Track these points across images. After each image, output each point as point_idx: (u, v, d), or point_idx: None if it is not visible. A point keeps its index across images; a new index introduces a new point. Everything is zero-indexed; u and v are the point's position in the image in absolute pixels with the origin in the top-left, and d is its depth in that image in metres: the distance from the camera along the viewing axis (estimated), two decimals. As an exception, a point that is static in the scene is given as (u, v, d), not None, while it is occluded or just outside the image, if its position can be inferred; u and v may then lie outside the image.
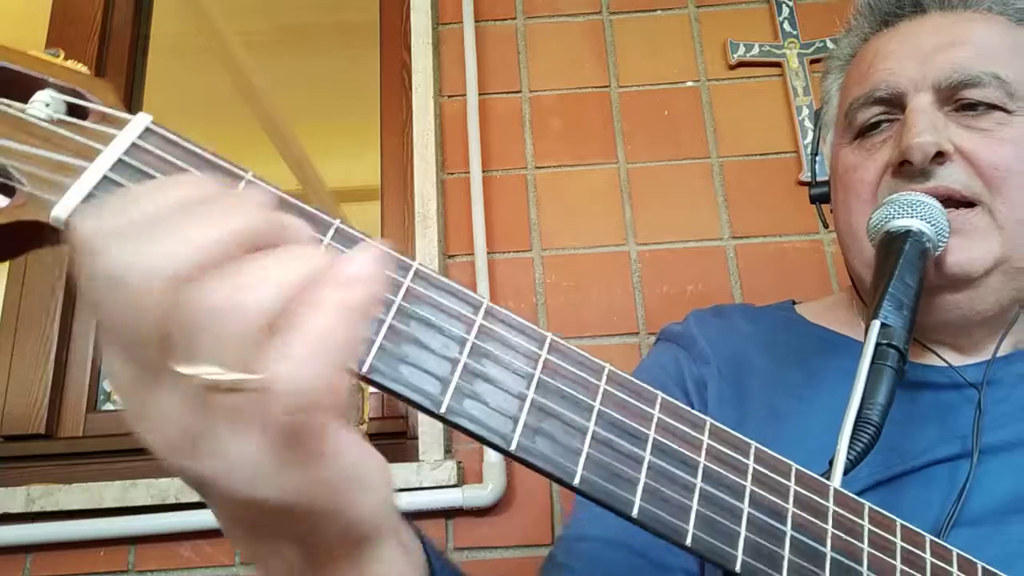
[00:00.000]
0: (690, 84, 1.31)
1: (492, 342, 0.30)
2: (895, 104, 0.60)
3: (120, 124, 0.29)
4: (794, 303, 0.75)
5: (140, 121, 0.29)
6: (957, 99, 0.57)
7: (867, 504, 0.34)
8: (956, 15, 0.61)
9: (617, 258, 1.22)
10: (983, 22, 0.60)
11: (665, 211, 1.24)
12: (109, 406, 1.30)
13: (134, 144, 0.28)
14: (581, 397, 0.30)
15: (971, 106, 0.57)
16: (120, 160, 0.28)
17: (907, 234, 0.52)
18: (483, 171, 1.24)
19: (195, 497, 1.00)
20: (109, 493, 1.04)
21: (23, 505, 1.04)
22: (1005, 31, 0.59)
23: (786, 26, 1.32)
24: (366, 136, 1.41)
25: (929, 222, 0.52)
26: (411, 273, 0.30)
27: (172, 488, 1.04)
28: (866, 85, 0.61)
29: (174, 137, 0.30)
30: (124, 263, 0.23)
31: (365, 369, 0.27)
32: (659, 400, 0.32)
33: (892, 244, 0.52)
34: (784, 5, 1.34)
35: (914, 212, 0.53)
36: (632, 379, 0.32)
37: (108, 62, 1.45)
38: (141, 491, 1.04)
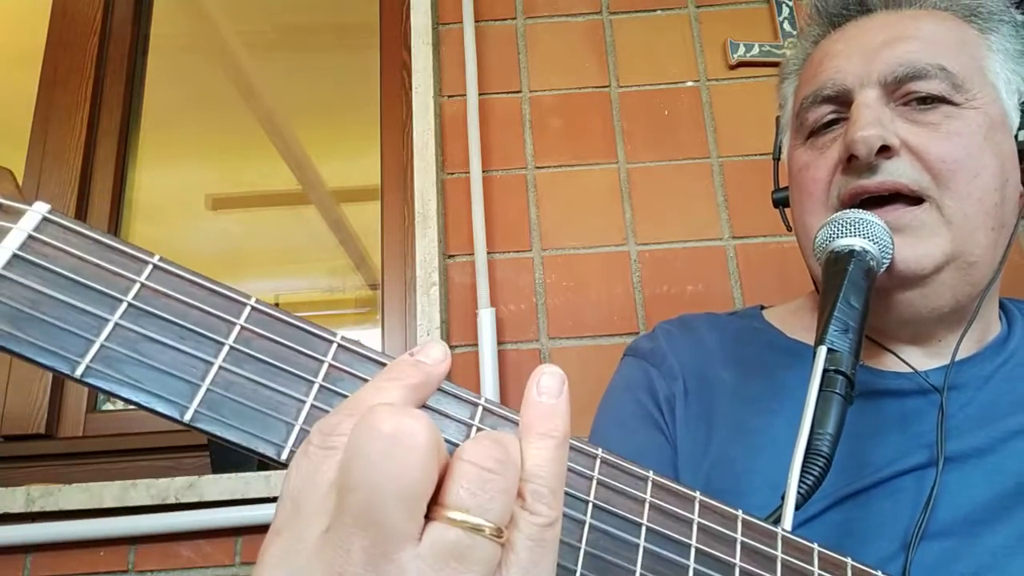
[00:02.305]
0: (690, 84, 1.31)
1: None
2: (843, 101, 0.59)
3: (15, 215, 0.27)
4: (762, 308, 0.75)
5: (36, 211, 0.27)
6: (904, 93, 0.56)
7: (816, 547, 0.33)
8: (902, 13, 0.60)
9: (617, 258, 1.22)
10: (929, 18, 0.59)
11: (665, 211, 1.24)
12: (109, 406, 1.30)
13: (30, 236, 0.27)
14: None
15: (918, 100, 0.56)
16: (15, 255, 0.26)
17: (851, 254, 0.51)
18: (483, 171, 1.24)
19: (195, 497, 1.00)
20: (109, 493, 1.04)
21: (23, 505, 1.04)
22: (951, 26, 0.59)
23: (786, 26, 1.32)
24: (366, 136, 1.41)
25: (872, 240, 0.52)
26: (333, 347, 0.29)
27: (172, 488, 1.04)
28: (814, 84, 0.61)
29: (73, 225, 0.27)
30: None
31: (285, 456, 0.27)
32: (599, 458, 0.31)
33: (837, 264, 0.52)
34: (784, 5, 1.34)
35: (857, 231, 0.52)
36: (572, 440, 0.31)
37: (108, 62, 1.45)
38: (141, 491, 1.04)
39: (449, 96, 1.31)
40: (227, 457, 1.09)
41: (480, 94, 1.28)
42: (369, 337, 1.54)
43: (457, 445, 0.29)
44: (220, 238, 1.76)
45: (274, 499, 1.05)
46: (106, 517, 1.04)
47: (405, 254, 1.30)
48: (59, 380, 1.25)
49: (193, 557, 1.06)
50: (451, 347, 1.18)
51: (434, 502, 0.25)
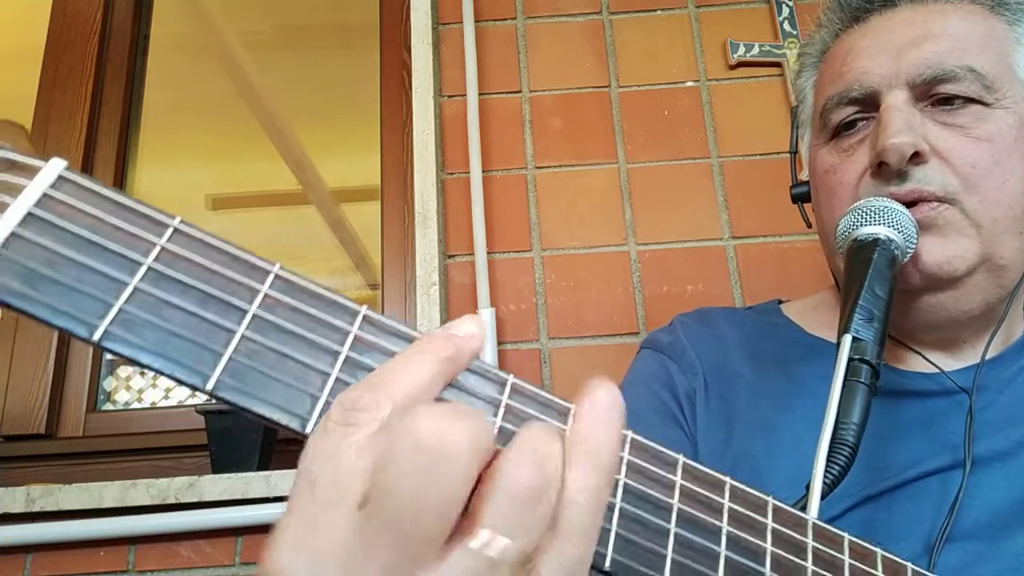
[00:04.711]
0: (690, 84, 1.31)
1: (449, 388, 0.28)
2: (869, 103, 0.58)
3: (30, 172, 0.26)
4: (780, 302, 0.74)
5: (52, 168, 0.26)
6: (932, 94, 0.55)
7: (847, 536, 0.33)
8: (927, 7, 0.59)
9: (617, 258, 1.22)
10: (955, 13, 0.58)
11: (665, 211, 1.24)
12: (109, 406, 1.30)
13: (46, 195, 0.25)
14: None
15: (947, 100, 0.55)
16: (30, 213, 0.25)
17: (875, 242, 0.51)
18: (483, 171, 1.24)
19: (195, 497, 0.99)
20: (109, 493, 1.04)
21: (23, 505, 1.04)
22: (978, 20, 0.57)
23: (786, 26, 1.32)
24: (366, 136, 1.41)
25: (897, 229, 0.51)
26: (359, 318, 0.28)
27: (172, 488, 1.04)
28: (840, 84, 0.60)
29: (90, 184, 0.26)
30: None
31: (310, 428, 0.26)
32: (629, 440, 0.30)
33: (860, 253, 0.51)
34: (784, 5, 1.34)
35: (881, 219, 0.51)
36: None
37: (108, 62, 1.45)
38: (141, 491, 1.04)
39: (449, 96, 1.31)
40: (227, 457, 1.09)
41: (480, 94, 1.28)
42: (369, 337, 1.54)
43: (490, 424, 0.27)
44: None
45: (275, 499, 1.05)
46: (106, 517, 1.04)
47: (405, 254, 1.30)
48: (59, 380, 1.25)
49: (193, 557, 1.06)
50: (451, 347, 1.18)
51: (466, 510, 0.23)
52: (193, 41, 1.68)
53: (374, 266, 1.40)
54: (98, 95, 1.42)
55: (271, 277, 0.27)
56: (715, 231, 1.23)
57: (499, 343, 1.16)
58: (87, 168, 1.36)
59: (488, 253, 1.19)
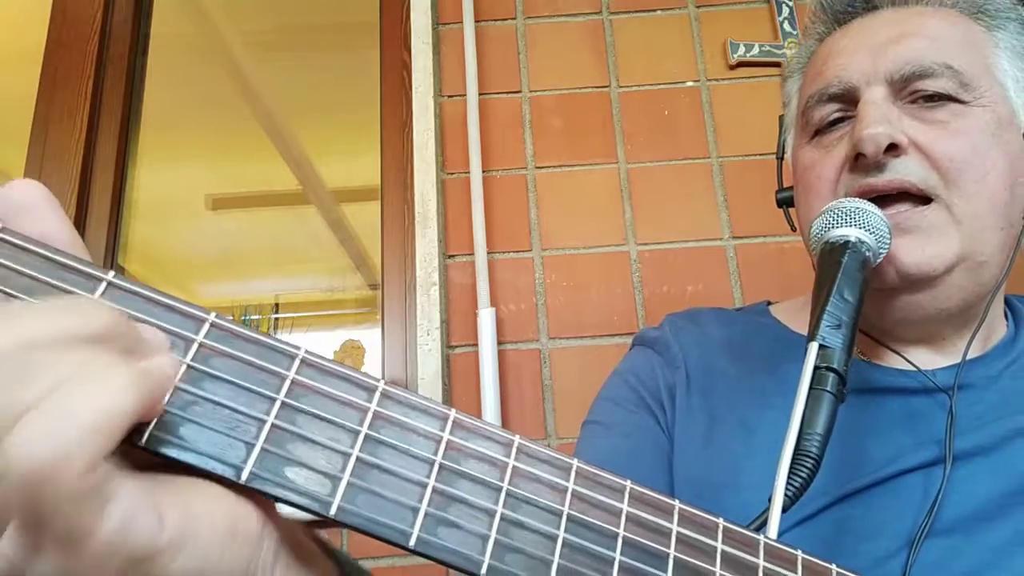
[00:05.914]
0: (690, 84, 1.31)
1: (389, 428, 0.28)
2: (849, 100, 0.59)
3: None
4: (769, 303, 0.75)
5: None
6: (910, 91, 0.56)
7: (800, 554, 0.33)
8: (908, 10, 0.60)
9: (617, 258, 1.22)
10: (935, 16, 0.59)
11: (665, 211, 1.24)
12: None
13: None
14: (489, 479, 0.28)
15: (925, 98, 0.55)
16: None
17: (845, 245, 0.50)
18: (483, 171, 1.24)
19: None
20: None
21: None
22: (958, 23, 0.58)
23: (786, 26, 1.32)
24: (366, 136, 1.41)
25: (869, 231, 0.51)
26: (296, 362, 0.28)
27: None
28: (820, 82, 0.61)
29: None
30: None
31: (244, 477, 0.25)
32: (574, 469, 0.30)
33: (831, 256, 0.51)
34: (784, 5, 1.34)
35: (853, 221, 0.51)
36: (544, 450, 0.30)
37: (108, 62, 1.45)
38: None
39: (449, 96, 1.31)
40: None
41: (480, 94, 1.28)
42: (369, 337, 1.54)
43: (427, 460, 0.27)
44: (220, 238, 1.77)
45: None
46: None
47: (405, 254, 1.30)
48: None
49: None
50: (451, 347, 1.18)
51: None
52: (193, 41, 1.68)
53: (374, 266, 1.40)
54: (98, 95, 1.42)
55: (206, 326, 0.27)
56: (715, 231, 1.23)
57: (499, 343, 1.16)
58: (87, 168, 1.37)
59: (488, 253, 1.20)
